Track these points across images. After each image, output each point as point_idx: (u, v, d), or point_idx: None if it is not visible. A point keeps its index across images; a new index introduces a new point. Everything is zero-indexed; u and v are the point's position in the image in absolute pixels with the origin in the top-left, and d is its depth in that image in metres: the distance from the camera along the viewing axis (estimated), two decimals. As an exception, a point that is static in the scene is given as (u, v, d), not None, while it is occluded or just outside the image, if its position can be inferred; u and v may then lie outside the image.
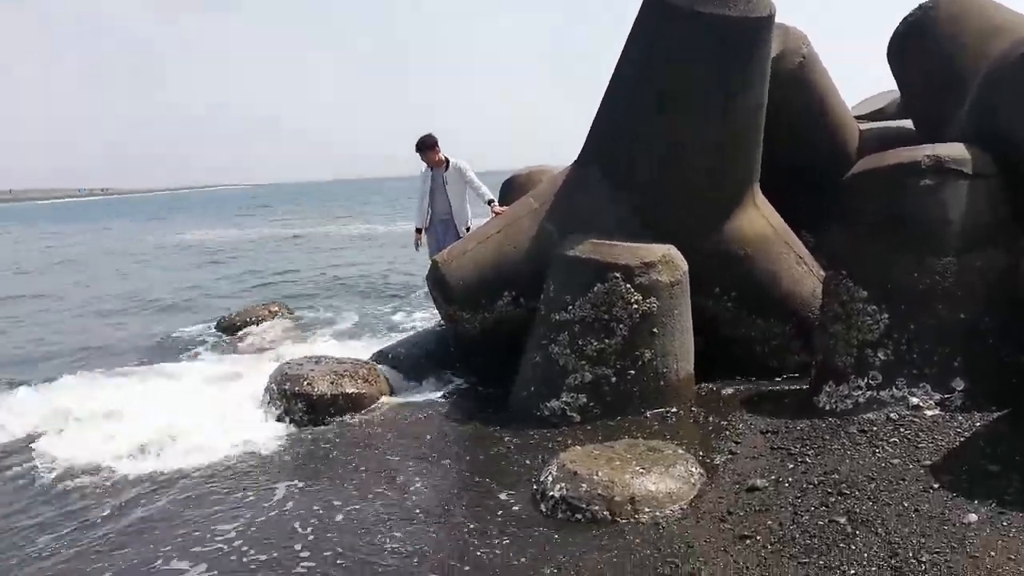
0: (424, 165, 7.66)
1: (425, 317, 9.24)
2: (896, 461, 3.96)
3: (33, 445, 5.53)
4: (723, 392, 5.66)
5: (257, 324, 8.80)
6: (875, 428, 4.43)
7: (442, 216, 7.64)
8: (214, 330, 9.13)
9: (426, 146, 7.49)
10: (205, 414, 5.86)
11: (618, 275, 5.29)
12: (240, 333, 8.69)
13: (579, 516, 3.81)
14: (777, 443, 4.46)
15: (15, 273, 19.61)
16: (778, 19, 5.91)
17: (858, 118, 8.01)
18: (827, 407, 4.94)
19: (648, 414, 5.22)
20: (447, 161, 7.58)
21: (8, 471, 5.16)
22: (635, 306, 5.27)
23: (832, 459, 4.10)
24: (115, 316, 11.72)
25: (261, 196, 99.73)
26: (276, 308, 9.02)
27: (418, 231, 7.83)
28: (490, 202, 7.24)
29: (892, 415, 4.58)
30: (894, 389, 4.75)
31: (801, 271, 6.23)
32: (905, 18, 6.74)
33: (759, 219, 6.23)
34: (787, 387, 5.69)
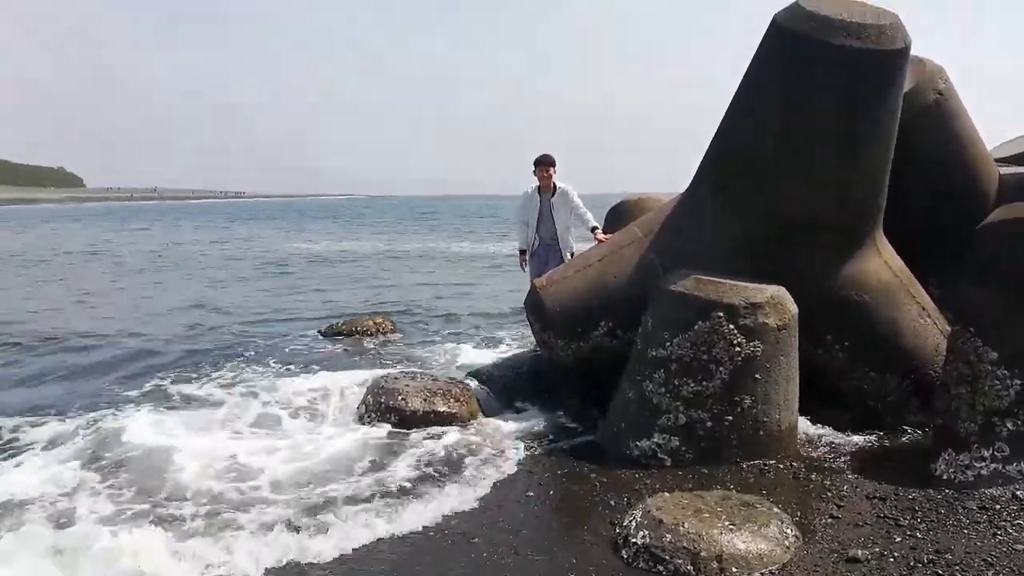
0: (530, 187, 7.66)
1: (524, 341, 9.19)
2: (1020, 547, 3.57)
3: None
4: (829, 447, 5.32)
5: (361, 334, 9.04)
6: (998, 506, 4.03)
7: (547, 241, 7.62)
8: (319, 334, 9.45)
9: (546, 162, 7.47)
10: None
11: (721, 314, 5.08)
12: (343, 341, 8.96)
13: (661, 568, 3.64)
14: (885, 511, 4.13)
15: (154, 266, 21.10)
16: (915, 52, 5.57)
17: (1000, 161, 7.42)
18: (945, 476, 4.56)
19: (745, 464, 4.96)
20: (555, 185, 7.55)
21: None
22: (738, 348, 5.04)
23: (946, 536, 3.75)
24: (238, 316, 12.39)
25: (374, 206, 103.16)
26: (380, 320, 9.24)
27: (522, 252, 7.88)
28: (593, 229, 7.18)
29: (1019, 493, 4.16)
30: (1022, 464, 4.32)
31: (925, 324, 5.79)
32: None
33: (881, 264, 5.85)
34: (901, 447, 5.30)
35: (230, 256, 24.76)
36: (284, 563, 3.79)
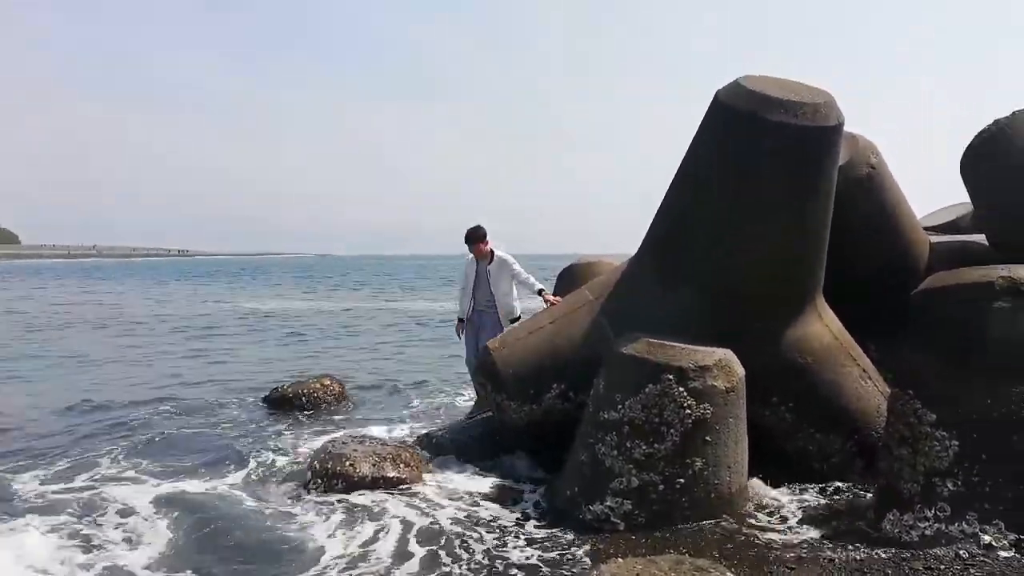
0: (470, 255, 7.84)
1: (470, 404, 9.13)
2: (966, 607, 3.64)
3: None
4: (779, 507, 5.38)
5: (308, 398, 8.83)
6: (942, 567, 4.10)
7: (482, 306, 7.78)
8: (262, 403, 9.19)
9: (476, 239, 7.67)
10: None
11: (671, 377, 5.15)
12: (290, 407, 8.73)
13: (616, 637, 3.59)
14: (834, 572, 4.16)
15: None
16: (847, 128, 5.88)
17: (929, 229, 7.82)
18: (891, 535, 4.65)
19: (697, 527, 4.97)
20: (492, 253, 7.73)
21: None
22: (688, 411, 5.09)
23: (895, 598, 3.80)
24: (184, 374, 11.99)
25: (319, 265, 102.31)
26: (328, 382, 9.05)
27: (460, 321, 8.03)
28: (540, 292, 7.28)
29: (962, 552, 4.25)
30: (964, 524, 4.44)
31: (866, 387, 5.97)
32: (980, 133, 6.63)
33: (822, 329, 6.04)
34: (847, 505, 5.39)
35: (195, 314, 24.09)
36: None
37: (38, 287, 42.28)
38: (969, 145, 6.69)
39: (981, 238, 7.01)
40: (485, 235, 7.71)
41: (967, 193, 7.13)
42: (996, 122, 6.52)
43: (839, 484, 5.76)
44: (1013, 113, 6.47)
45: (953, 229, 8.07)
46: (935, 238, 7.31)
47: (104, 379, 11.71)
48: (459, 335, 8.07)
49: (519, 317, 7.52)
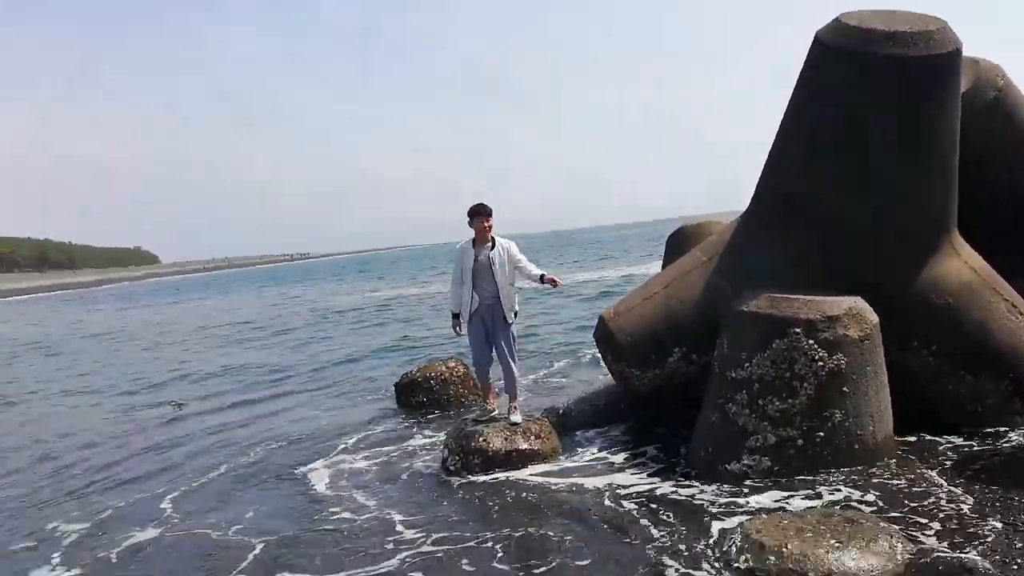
0: (464, 240, 6.52)
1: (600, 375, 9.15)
2: None
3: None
4: (932, 454, 5.15)
5: (435, 380, 9.11)
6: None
7: (489, 300, 6.38)
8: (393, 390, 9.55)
9: (484, 213, 6.33)
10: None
11: (799, 330, 5.01)
12: (420, 391, 9.04)
13: (768, 591, 3.57)
14: (997, 514, 3.95)
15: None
16: (967, 52, 5.49)
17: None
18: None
19: (843, 479, 4.83)
20: (493, 239, 6.42)
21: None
22: (820, 363, 4.95)
23: (1069, 539, 3.57)
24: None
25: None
26: (453, 364, 9.31)
27: (455, 316, 6.58)
28: (541, 277, 6.41)
29: None
30: None
31: (1017, 321, 5.59)
32: None
33: (961, 266, 5.70)
34: (1004, 449, 5.09)
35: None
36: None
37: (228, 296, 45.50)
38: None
39: None
40: (491, 211, 6.41)
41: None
42: None
43: (996, 428, 5.43)
44: None
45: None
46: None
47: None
48: (456, 332, 6.69)
49: (517, 312, 6.49)
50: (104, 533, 5.57)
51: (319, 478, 6.38)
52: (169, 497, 6.27)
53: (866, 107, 5.30)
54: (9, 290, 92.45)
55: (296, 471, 6.65)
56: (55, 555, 5.22)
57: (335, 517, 5.35)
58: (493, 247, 6.38)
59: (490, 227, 6.37)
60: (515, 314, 6.47)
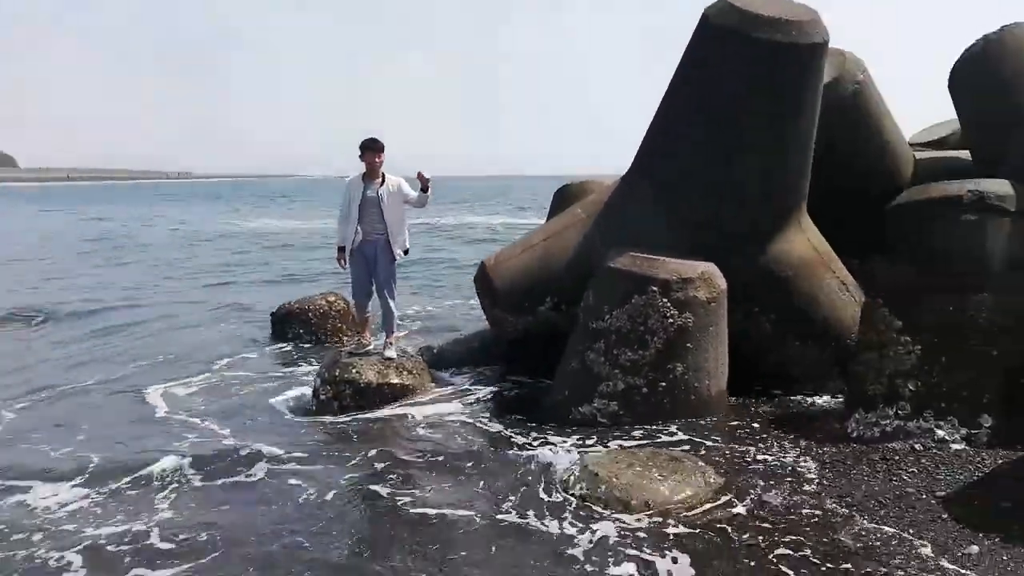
0: (354, 174, 6.53)
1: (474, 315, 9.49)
2: (911, 490, 4.05)
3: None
4: (756, 410, 5.77)
5: (314, 313, 9.16)
6: (897, 457, 4.50)
7: (372, 236, 6.42)
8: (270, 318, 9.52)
9: (376, 148, 6.36)
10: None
11: (655, 289, 5.46)
12: (297, 323, 9.07)
13: (596, 514, 4.01)
14: (800, 464, 4.57)
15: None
16: (837, 45, 6.00)
17: (918, 146, 7.97)
18: (855, 434, 5.03)
19: (677, 426, 5.37)
20: (383, 175, 6.45)
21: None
22: (670, 320, 5.43)
23: (849, 483, 4.20)
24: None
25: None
26: (333, 298, 9.36)
27: (341, 250, 6.58)
28: (424, 189, 6.44)
29: (916, 446, 4.65)
30: (921, 421, 4.82)
31: (844, 298, 6.27)
32: (967, 48, 6.72)
33: (804, 243, 6.30)
34: (821, 409, 5.77)
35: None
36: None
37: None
38: (957, 60, 6.79)
39: (967, 154, 7.19)
40: (383, 147, 6.42)
41: (954, 110, 7.25)
42: (984, 37, 6.60)
43: (816, 393, 6.13)
44: (1001, 28, 6.54)
45: (941, 146, 8.21)
46: (921, 154, 7.48)
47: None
48: (341, 265, 6.67)
49: (408, 250, 6.63)
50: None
51: (172, 402, 6.46)
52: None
53: (738, 84, 5.73)
54: None
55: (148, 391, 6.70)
56: None
57: (189, 442, 5.43)
58: (383, 183, 6.41)
59: (380, 162, 6.41)
60: (406, 252, 6.59)
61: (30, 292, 12.82)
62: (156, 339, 9.03)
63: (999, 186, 5.00)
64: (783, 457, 4.71)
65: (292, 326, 8.87)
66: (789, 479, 4.35)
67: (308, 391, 6.42)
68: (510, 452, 5.02)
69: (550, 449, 5.02)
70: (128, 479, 4.67)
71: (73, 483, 4.64)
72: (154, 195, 69.67)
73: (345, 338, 8.56)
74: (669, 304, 5.44)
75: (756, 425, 5.42)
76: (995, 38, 6.53)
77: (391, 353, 6.48)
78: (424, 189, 6.44)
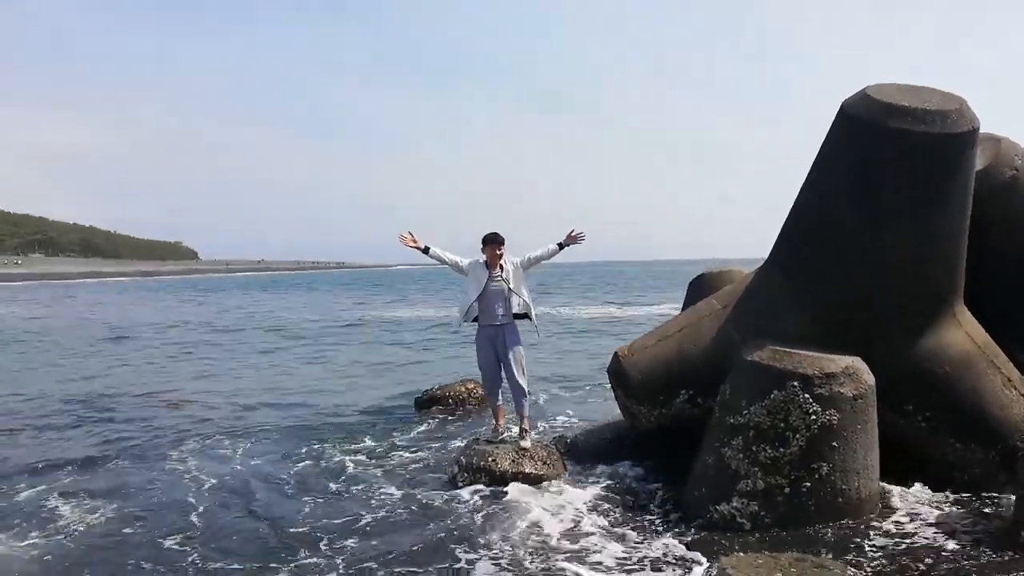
0: (469, 260, 6.89)
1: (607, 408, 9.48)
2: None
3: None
4: (913, 515, 5.37)
5: (453, 399, 9.55)
6: (1079, 577, 4.04)
7: (499, 322, 6.75)
8: (412, 406, 9.99)
9: (497, 241, 6.73)
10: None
11: (796, 384, 5.30)
12: (436, 409, 9.47)
13: (734, 623, 3.86)
14: (962, 569, 4.20)
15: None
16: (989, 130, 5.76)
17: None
18: (1028, 545, 4.57)
19: (824, 530, 5.09)
20: (501, 265, 6.77)
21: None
22: (813, 417, 5.23)
23: (1021, 603, 3.82)
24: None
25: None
26: (472, 385, 9.72)
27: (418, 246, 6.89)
28: (560, 245, 6.73)
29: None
30: (1108, 535, 4.31)
31: (1010, 395, 5.81)
32: None
33: (962, 336, 5.94)
34: (987, 516, 5.29)
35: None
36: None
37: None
38: None
39: None
40: (504, 241, 6.77)
41: None
42: None
43: (981, 494, 5.64)
44: None
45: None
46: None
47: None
48: (406, 242, 6.86)
49: (534, 320, 6.90)
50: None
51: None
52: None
53: (881, 177, 5.60)
54: (59, 273, 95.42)
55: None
56: None
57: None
58: (502, 270, 6.75)
59: (501, 255, 6.76)
60: (534, 318, 6.84)
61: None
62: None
63: None
64: (947, 569, 4.34)
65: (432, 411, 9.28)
66: (953, 594, 4.00)
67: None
68: (645, 551, 4.93)
69: (684, 552, 4.90)
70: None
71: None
72: (196, 288, 70.11)
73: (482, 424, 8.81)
74: (811, 400, 5.25)
75: (914, 531, 5.04)
76: None
77: (526, 443, 6.62)
78: (565, 245, 6.69)
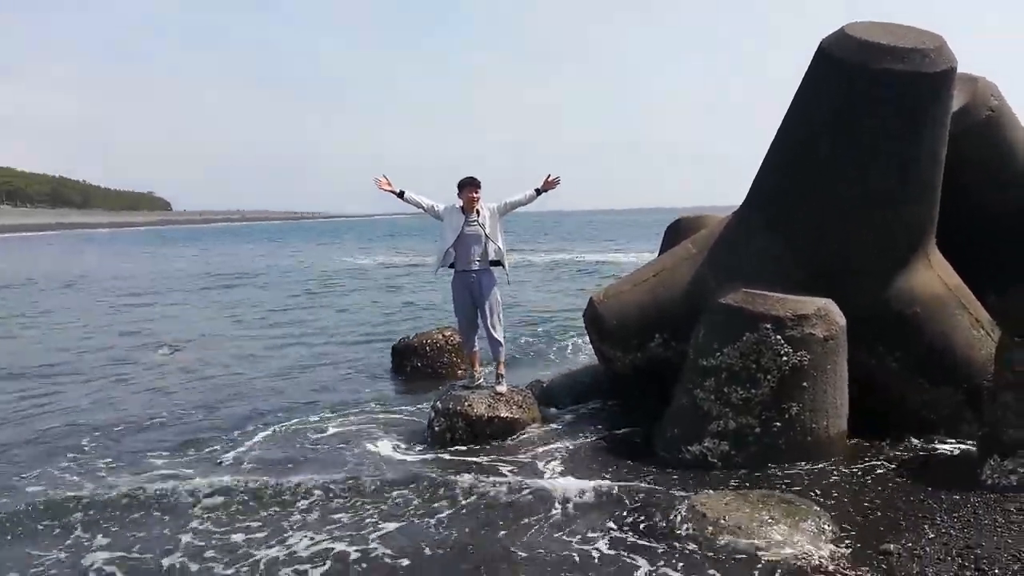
0: (446, 205, 6.74)
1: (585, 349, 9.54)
2: (1052, 544, 3.73)
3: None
4: (880, 453, 5.49)
5: (431, 347, 9.49)
6: (1036, 509, 4.16)
7: (474, 265, 6.63)
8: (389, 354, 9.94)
9: (474, 185, 6.59)
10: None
11: (768, 326, 5.33)
12: (414, 356, 9.43)
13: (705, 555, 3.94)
14: (924, 511, 4.31)
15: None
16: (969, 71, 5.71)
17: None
18: (989, 482, 4.68)
19: (792, 468, 5.18)
20: (478, 210, 6.65)
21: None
22: (784, 358, 5.28)
23: (979, 534, 3.92)
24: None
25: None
26: (449, 332, 9.66)
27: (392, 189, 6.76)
28: (537, 190, 6.64)
29: (1059, 496, 4.28)
30: (1067, 470, 4.43)
31: (978, 335, 5.89)
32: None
33: (932, 278, 5.98)
34: (951, 455, 5.42)
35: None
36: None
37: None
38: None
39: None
40: (480, 184, 6.63)
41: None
42: None
43: (948, 437, 5.75)
44: None
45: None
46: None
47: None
48: (380, 185, 6.73)
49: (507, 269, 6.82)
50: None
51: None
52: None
53: (858, 117, 5.55)
54: (19, 225, 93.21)
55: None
56: None
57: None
58: (479, 214, 6.62)
59: (478, 198, 6.63)
60: (506, 265, 6.72)
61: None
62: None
63: None
64: (906, 504, 4.45)
65: (410, 359, 9.25)
66: (912, 528, 4.11)
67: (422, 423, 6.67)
68: (614, 491, 5.00)
69: (656, 489, 4.98)
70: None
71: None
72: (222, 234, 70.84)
73: (459, 371, 8.81)
74: (783, 341, 5.29)
75: (880, 470, 5.15)
76: None
77: (502, 388, 6.64)
78: (542, 191, 6.61)
